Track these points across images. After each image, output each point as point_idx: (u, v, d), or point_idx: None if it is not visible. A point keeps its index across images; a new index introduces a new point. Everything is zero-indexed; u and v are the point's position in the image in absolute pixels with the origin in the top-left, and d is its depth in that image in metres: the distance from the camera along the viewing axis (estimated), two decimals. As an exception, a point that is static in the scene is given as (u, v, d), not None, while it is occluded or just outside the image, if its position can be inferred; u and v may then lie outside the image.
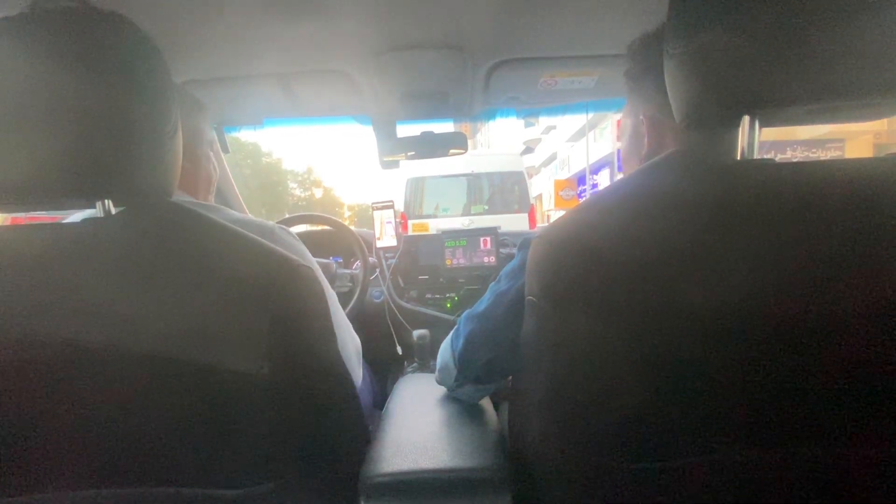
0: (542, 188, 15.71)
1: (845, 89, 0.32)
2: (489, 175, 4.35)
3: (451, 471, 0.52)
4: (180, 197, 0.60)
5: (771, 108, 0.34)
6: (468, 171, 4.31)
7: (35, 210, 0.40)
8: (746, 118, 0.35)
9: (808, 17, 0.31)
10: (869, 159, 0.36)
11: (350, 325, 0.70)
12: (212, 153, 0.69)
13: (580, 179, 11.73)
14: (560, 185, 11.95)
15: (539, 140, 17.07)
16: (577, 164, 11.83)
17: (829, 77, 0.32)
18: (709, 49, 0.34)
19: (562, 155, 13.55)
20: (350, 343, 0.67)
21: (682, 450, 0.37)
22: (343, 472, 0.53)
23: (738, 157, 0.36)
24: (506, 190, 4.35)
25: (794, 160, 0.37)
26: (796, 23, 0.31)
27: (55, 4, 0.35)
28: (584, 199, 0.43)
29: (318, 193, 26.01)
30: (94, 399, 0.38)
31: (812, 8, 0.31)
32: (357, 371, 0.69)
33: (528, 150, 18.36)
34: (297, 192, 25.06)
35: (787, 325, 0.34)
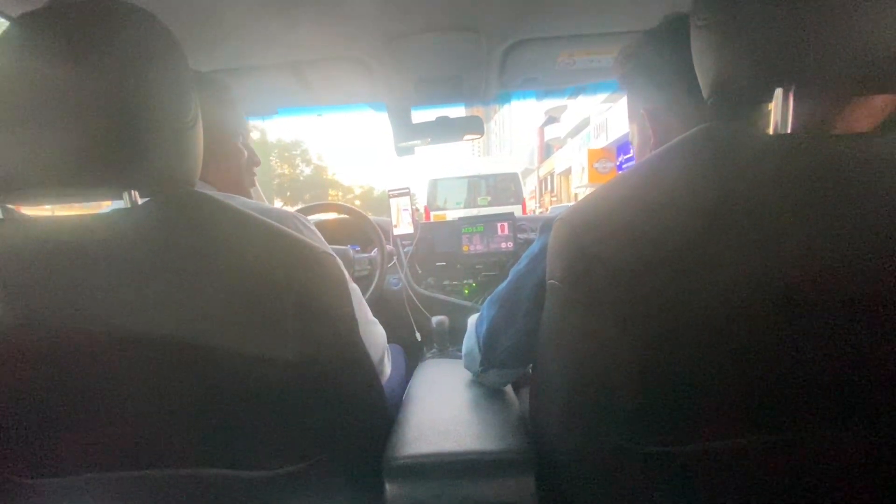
0: (569, 161, 14.00)
1: (888, 56, 0.31)
2: (489, 176, 6.62)
3: (473, 453, 0.55)
4: (203, 187, 0.64)
5: (807, 77, 0.33)
6: (476, 173, 6.72)
7: (61, 203, 0.43)
8: (780, 90, 0.34)
9: None
10: None
11: (377, 322, 0.73)
12: (242, 146, 0.70)
13: (619, 148, 10.89)
14: (595, 156, 11.03)
15: (564, 107, 15.95)
16: (616, 130, 10.73)
17: (871, 42, 0.31)
18: (739, 16, 0.34)
19: (596, 120, 12.51)
20: (379, 339, 0.71)
21: (710, 433, 0.39)
22: (367, 455, 0.56)
23: (772, 133, 0.35)
24: (503, 188, 6.47)
25: (836, 134, 0.36)
26: None
27: None
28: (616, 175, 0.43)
29: (307, 170, 24.92)
30: (124, 385, 0.42)
31: None
32: (386, 365, 0.73)
33: (552, 119, 17.28)
34: (283, 169, 23.65)
35: (826, 305, 0.35)
